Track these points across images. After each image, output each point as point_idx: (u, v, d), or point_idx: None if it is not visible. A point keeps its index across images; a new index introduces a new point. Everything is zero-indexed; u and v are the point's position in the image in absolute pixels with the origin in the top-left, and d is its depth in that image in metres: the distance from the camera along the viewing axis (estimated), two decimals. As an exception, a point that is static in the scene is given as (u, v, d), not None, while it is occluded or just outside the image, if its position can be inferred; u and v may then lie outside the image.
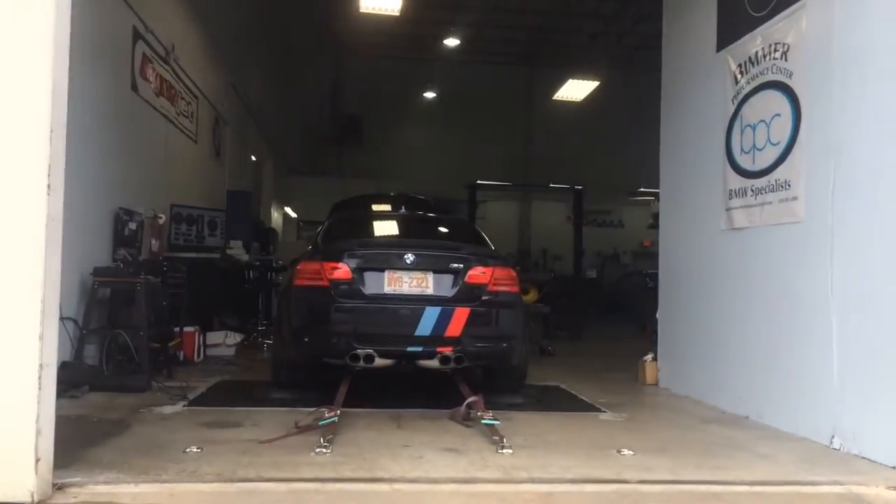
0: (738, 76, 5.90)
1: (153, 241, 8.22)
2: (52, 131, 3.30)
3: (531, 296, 10.07)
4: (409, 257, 5.53)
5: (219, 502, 3.27)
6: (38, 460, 3.18)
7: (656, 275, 7.59)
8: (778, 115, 5.36)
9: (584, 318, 13.00)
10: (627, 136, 19.59)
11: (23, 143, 3.28)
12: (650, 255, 11.76)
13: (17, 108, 3.29)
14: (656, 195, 7.64)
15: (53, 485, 3.29)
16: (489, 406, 4.98)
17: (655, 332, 7.46)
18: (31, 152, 3.27)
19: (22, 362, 3.21)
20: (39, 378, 3.22)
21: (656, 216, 7.76)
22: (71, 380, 5.59)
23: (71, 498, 3.25)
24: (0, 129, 3.28)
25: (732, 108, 5.97)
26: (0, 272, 3.24)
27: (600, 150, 21.36)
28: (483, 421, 4.70)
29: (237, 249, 10.38)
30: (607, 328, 14.10)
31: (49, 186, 3.29)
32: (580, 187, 15.93)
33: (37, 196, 3.27)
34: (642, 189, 19.67)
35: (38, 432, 3.20)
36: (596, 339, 12.27)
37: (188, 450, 4.02)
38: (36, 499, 3.16)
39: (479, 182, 17.35)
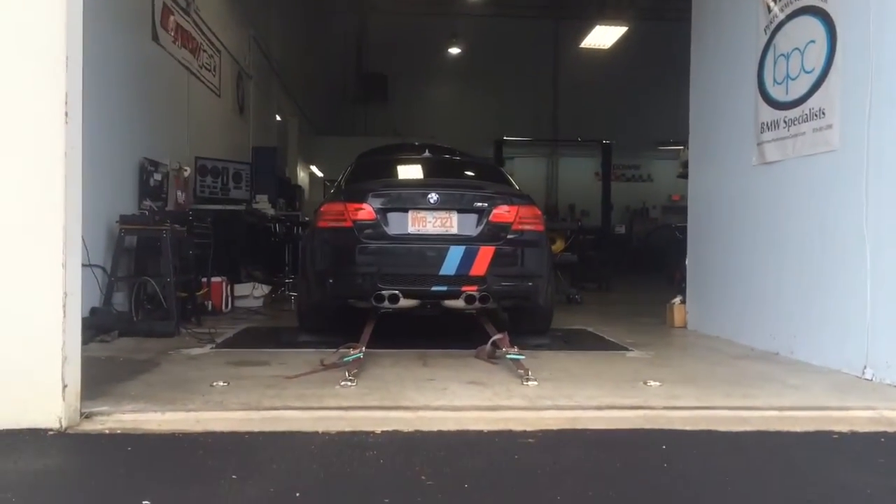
0: (772, 4, 5.68)
1: (179, 194, 8.26)
2: (67, 58, 3.27)
3: (558, 245, 9.98)
4: (433, 197, 5.45)
5: (244, 427, 3.28)
6: (65, 387, 3.22)
7: (685, 228, 7.45)
8: (813, 41, 5.17)
9: (613, 270, 12.89)
10: (657, 88, 19.26)
11: (39, 72, 3.26)
12: (679, 209, 11.60)
13: (32, 36, 3.26)
14: (686, 143, 7.45)
15: (81, 413, 3.33)
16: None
17: (684, 279, 7.35)
18: (48, 81, 3.25)
19: (46, 291, 3.23)
20: (64, 306, 3.25)
21: (685, 164, 7.58)
22: (100, 325, 5.68)
23: (98, 425, 3.29)
24: (16, 58, 3.27)
25: (765, 39, 5.76)
26: (21, 202, 3.26)
27: (629, 104, 21.00)
28: (508, 356, 4.68)
29: (263, 204, 10.40)
30: (636, 281, 13.98)
31: (67, 115, 3.27)
32: (609, 142, 15.74)
33: (55, 125, 3.25)
34: (672, 141, 19.33)
35: (65, 359, 3.24)
36: (625, 290, 12.19)
37: (215, 384, 4.07)
38: (64, 424, 3.20)
39: (505, 138, 17.21)
